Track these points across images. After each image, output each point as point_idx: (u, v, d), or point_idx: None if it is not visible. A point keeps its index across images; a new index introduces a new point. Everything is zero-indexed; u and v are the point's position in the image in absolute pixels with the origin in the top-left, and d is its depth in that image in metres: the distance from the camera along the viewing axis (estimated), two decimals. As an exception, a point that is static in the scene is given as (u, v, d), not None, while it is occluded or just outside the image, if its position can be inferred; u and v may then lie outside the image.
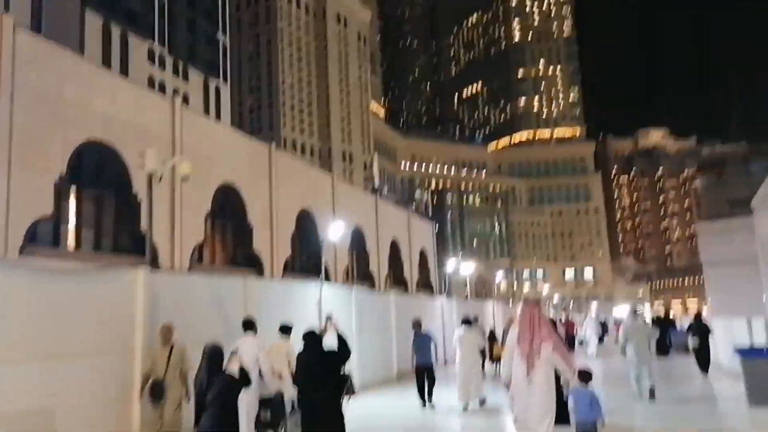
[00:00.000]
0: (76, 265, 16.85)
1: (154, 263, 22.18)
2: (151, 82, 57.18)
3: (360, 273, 34.78)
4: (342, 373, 7.08)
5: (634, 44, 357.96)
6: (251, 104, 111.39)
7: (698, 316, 20.71)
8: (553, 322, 11.95)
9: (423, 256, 43.43)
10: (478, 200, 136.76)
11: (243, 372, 6.71)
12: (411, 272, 40.12)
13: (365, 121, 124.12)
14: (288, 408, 9.12)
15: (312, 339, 7.04)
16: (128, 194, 22.21)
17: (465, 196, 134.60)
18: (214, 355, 7.29)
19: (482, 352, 13.62)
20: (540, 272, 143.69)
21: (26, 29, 19.64)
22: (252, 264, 28.42)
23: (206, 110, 64.07)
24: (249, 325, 9.09)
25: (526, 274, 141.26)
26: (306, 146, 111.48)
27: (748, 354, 11.63)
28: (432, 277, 44.71)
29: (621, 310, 74.84)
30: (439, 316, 21.45)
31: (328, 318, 8.13)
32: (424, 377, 12.67)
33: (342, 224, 18.11)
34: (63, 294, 7.43)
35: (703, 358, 18.09)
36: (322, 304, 12.71)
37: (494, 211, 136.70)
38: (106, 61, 52.93)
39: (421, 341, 13.11)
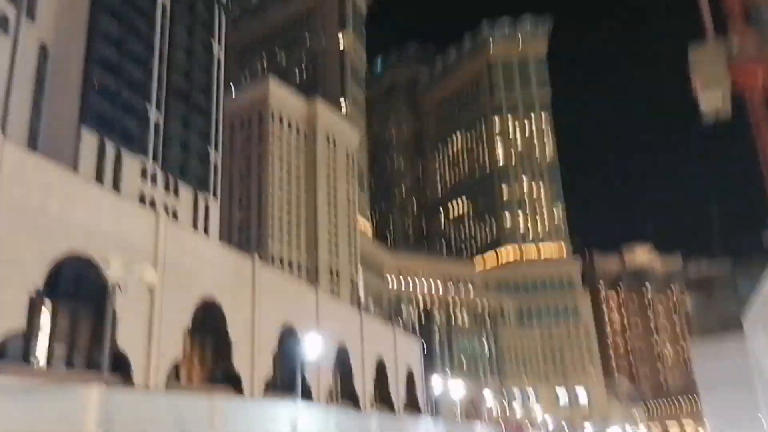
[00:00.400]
0: (43, 382, 15.97)
1: (127, 380, 21.12)
2: (142, 199, 57.72)
3: (344, 392, 33.34)
4: None
5: (616, 162, 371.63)
6: (240, 221, 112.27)
7: None
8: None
9: (410, 375, 41.94)
10: (466, 318, 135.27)
11: None
12: (397, 392, 38.50)
13: (352, 238, 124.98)
14: None
15: None
16: (106, 309, 21.54)
17: (453, 314, 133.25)
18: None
19: None
20: (531, 392, 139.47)
21: (12, 143, 19.86)
22: (232, 382, 27.23)
23: (195, 225, 64.30)
24: None
25: (517, 394, 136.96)
26: (293, 262, 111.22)
27: None
28: (419, 397, 42.94)
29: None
30: None
31: None
32: None
33: (319, 337, 17.46)
34: (9, 414, 6.79)
35: None
36: (299, 426, 11.88)
37: (483, 329, 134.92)
38: (99, 178, 53.59)
39: None
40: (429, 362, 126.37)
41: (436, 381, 40.39)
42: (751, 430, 23.23)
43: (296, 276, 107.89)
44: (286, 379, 28.29)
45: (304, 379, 28.95)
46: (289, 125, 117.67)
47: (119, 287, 15.16)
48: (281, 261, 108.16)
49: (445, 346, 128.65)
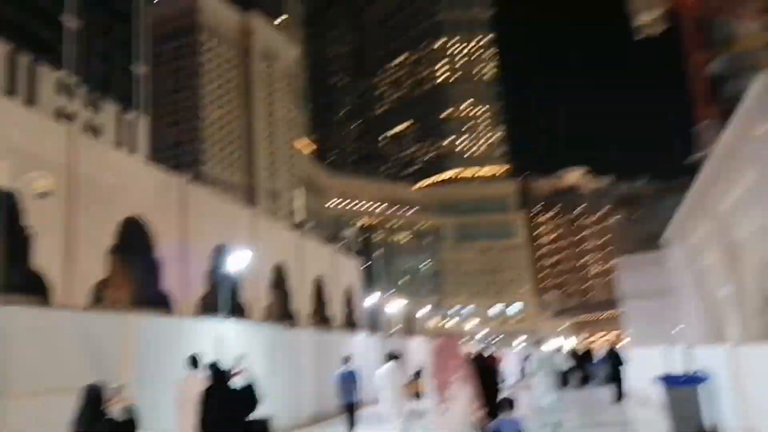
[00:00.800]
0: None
1: (46, 301, 20.28)
2: (60, 114, 54.31)
3: (282, 312, 33.33)
4: (254, 419, 6.58)
5: (556, 88, 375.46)
6: (172, 139, 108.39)
7: (612, 348, 21.42)
8: (478, 358, 11.43)
9: (349, 294, 42.32)
10: (406, 238, 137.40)
11: (130, 414, 6.08)
12: (336, 310, 38.90)
13: (292, 159, 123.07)
14: None
15: (219, 374, 6.59)
16: (18, 227, 20.31)
17: (394, 234, 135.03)
18: (92, 397, 6.33)
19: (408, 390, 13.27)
20: (468, 309, 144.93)
21: None
22: (162, 303, 26.62)
23: (121, 143, 61.43)
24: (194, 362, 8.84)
25: (454, 310, 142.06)
26: (230, 183, 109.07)
27: (672, 382, 11.08)
28: (357, 315, 43.58)
29: (546, 345, 75.77)
30: (361, 353, 20.40)
31: (239, 360, 7.26)
32: (350, 415, 12.39)
33: (248, 254, 17.05)
34: None
35: (618, 387, 19.10)
36: (227, 344, 11.55)
37: (422, 248, 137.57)
38: (12, 92, 49.99)
39: (344, 378, 12.64)
40: (370, 281, 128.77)
41: (374, 299, 40.90)
42: (663, 338, 24.75)
43: (234, 197, 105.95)
44: (221, 300, 27.87)
45: (238, 298, 28.63)
46: (223, 38, 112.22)
47: (32, 197, 14.10)
48: (217, 181, 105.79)
49: (386, 266, 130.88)
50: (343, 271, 41.82)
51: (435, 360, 7.59)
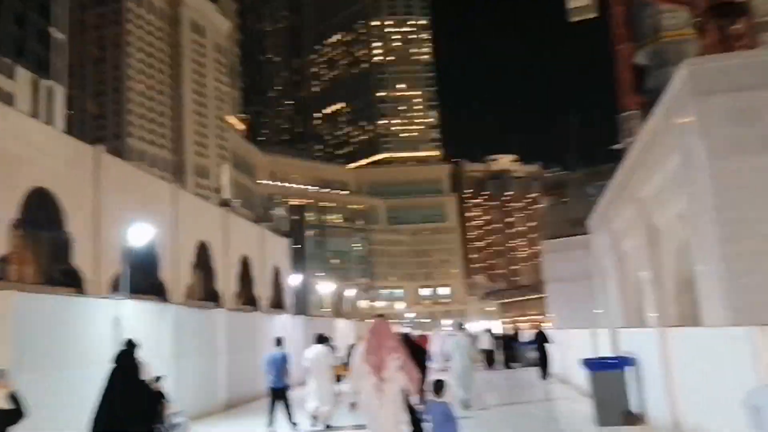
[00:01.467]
0: None
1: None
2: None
3: (205, 292, 32.07)
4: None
5: (488, 75, 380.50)
6: (95, 111, 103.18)
7: (539, 329, 21.88)
8: (408, 338, 11.00)
9: (276, 275, 41.32)
10: (339, 219, 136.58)
11: (16, 403, 5.46)
12: (263, 291, 37.84)
13: (222, 135, 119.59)
14: None
15: (130, 357, 5.94)
16: None
17: (326, 215, 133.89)
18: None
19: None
20: (399, 291, 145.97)
21: None
22: (72, 282, 25.00)
23: (37, 113, 57.66)
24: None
25: (385, 292, 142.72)
26: (157, 158, 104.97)
27: (597, 365, 10.41)
28: (285, 295, 42.68)
29: (473, 327, 77.13)
30: (284, 335, 19.59)
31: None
32: (274, 400, 11.68)
33: (148, 228, 16.01)
34: None
35: (544, 367, 19.78)
36: (127, 326, 10.61)
37: (355, 230, 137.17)
38: None
39: (274, 361, 11.95)
40: (301, 263, 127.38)
41: (298, 279, 40.05)
42: (586, 321, 25.24)
43: (159, 172, 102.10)
44: (140, 280, 26.36)
45: (157, 277, 27.23)
46: (151, 7, 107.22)
47: None
48: (142, 156, 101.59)
49: (318, 247, 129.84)
50: (271, 250, 40.81)
51: (370, 341, 7.27)
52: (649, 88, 52.90)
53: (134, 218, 26.30)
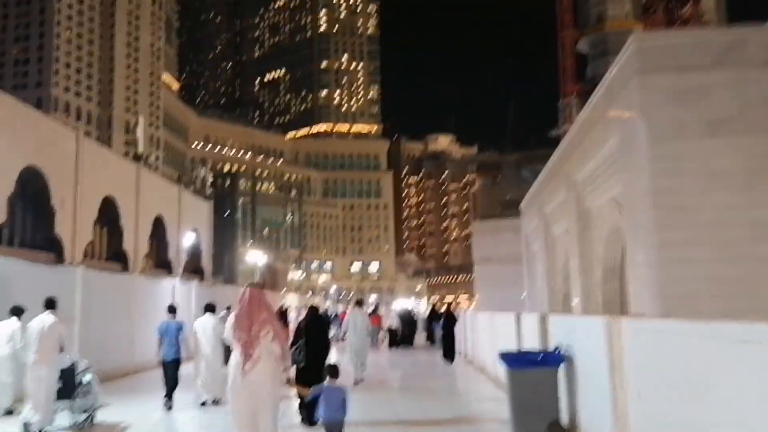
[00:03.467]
0: None
1: None
2: None
3: (111, 251, 29.81)
4: None
5: (432, 54, 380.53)
6: (16, 55, 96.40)
7: (448, 308, 21.31)
8: (314, 313, 9.82)
9: (195, 239, 39.12)
10: (272, 188, 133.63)
11: None
12: (176, 254, 35.67)
13: (155, 93, 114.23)
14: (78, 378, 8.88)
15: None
16: None
17: (259, 183, 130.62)
18: None
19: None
20: (329, 264, 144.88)
21: None
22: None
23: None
24: (51, 304, 8.67)
25: (315, 265, 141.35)
26: (82, 111, 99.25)
27: (518, 361, 7.86)
28: (204, 262, 40.71)
29: (401, 304, 77.16)
30: (169, 302, 16.90)
31: None
32: (167, 373, 10.61)
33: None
34: None
35: (449, 348, 18.80)
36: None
37: (288, 200, 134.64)
38: None
39: (168, 331, 10.75)
40: (231, 230, 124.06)
41: (189, 238, 37.24)
42: (511, 303, 24.91)
43: (86, 127, 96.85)
44: (30, 233, 24.04)
45: (52, 231, 24.88)
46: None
47: None
48: (67, 108, 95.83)
49: (249, 215, 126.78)
50: (190, 213, 38.45)
51: (239, 314, 6.20)
52: (590, 76, 53.46)
53: (25, 163, 23.82)
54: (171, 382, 10.54)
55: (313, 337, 9.37)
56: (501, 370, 9.31)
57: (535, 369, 7.58)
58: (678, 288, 12.36)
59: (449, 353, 18.77)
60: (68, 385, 8.63)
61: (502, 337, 12.37)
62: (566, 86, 57.77)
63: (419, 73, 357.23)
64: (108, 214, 29.01)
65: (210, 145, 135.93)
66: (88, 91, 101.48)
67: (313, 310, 10.03)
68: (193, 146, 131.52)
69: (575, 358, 7.36)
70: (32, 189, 22.34)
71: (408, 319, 26.31)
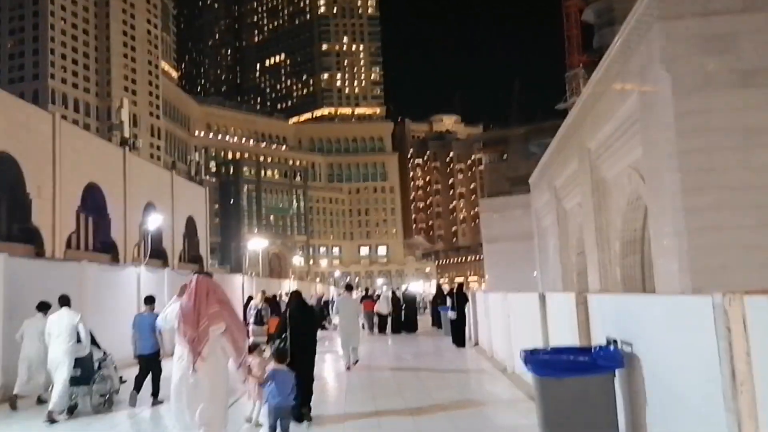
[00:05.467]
0: None
1: None
2: None
3: (98, 241, 28.68)
4: None
5: (434, 32, 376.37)
6: (11, 48, 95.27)
7: (459, 288, 19.17)
8: (297, 299, 8.58)
9: (191, 224, 38.04)
10: (276, 174, 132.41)
11: None
12: (174, 242, 34.57)
13: (154, 82, 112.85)
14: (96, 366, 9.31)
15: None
16: None
17: (263, 170, 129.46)
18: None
19: None
20: (336, 250, 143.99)
21: None
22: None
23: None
24: (65, 301, 9.20)
25: (323, 251, 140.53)
26: (80, 102, 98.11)
27: (551, 367, 5.16)
28: (203, 249, 39.61)
29: (412, 286, 76.13)
30: (133, 292, 15.22)
31: None
32: (143, 370, 9.75)
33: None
34: None
35: (459, 331, 17.42)
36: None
37: (293, 186, 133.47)
38: None
39: (143, 324, 9.84)
40: (236, 217, 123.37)
41: (157, 220, 35.98)
42: (523, 282, 23.73)
43: (83, 118, 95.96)
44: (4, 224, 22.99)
45: (29, 222, 23.84)
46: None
47: None
48: (65, 100, 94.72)
49: (254, 202, 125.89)
50: (184, 198, 37.20)
51: (185, 306, 5.42)
52: (596, 47, 51.78)
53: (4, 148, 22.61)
54: (147, 375, 9.65)
55: (297, 327, 8.16)
56: (519, 364, 7.11)
57: (578, 377, 5.06)
58: (709, 259, 11.04)
59: (460, 336, 17.20)
60: (86, 372, 9.12)
61: (520, 325, 10.50)
62: (573, 58, 56.07)
63: (421, 53, 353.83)
64: (93, 202, 27.73)
65: (212, 133, 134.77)
66: (86, 83, 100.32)
67: (296, 296, 8.78)
68: (195, 135, 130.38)
69: (641, 358, 4.97)
70: (5, 177, 21.10)
71: (409, 301, 24.31)
